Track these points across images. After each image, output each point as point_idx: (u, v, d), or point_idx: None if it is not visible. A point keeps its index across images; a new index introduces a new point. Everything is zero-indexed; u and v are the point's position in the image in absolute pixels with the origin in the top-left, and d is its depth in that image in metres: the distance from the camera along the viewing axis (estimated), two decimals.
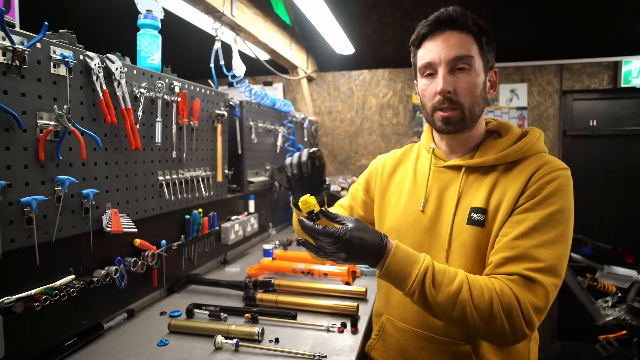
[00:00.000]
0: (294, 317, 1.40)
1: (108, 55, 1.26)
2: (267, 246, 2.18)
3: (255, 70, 2.80)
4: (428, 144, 1.16)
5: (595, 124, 3.42)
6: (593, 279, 2.89)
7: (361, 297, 1.58)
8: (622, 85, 3.26)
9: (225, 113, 1.95)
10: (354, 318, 1.37)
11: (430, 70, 1.04)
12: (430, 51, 1.03)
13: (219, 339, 1.22)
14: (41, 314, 1.07)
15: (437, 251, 1.06)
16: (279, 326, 1.37)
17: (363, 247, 0.91)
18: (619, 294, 2.85)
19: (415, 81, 1.14)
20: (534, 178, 0.96)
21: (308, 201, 0.97)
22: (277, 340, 1.26)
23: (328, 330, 1.34)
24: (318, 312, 1.47)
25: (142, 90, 1.40)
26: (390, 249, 0.92)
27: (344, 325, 1.35)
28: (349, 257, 0.91)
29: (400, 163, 1.25)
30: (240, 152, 2.25)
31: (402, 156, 1.27)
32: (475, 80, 1.01)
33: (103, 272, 1.26)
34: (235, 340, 1.21)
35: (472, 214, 1.01)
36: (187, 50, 2.99)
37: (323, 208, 0.99)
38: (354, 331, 1.33)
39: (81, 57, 1.18)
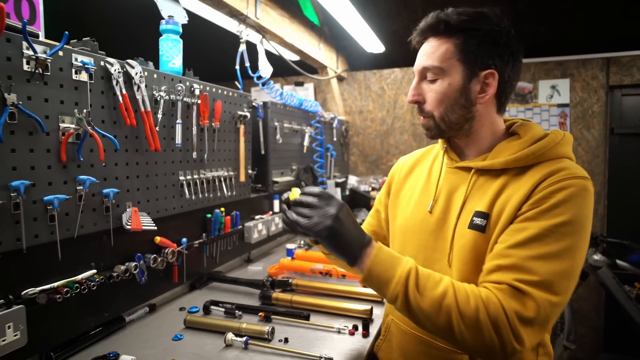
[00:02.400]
0: (307, 318, 1.40)
1: (128, 60, 1.32)
2: (290, 245, 2.20)
3: (286, 70, 2.83)
4: (442, 144, 1.14)
5: None
6: None
7: (377, 300, 1.55)
8: None
9: (248, 114, 1.98)
10: (366, 321, 1.36)
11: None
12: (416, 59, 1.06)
13: (230, 336, 1.25)
14: (63, 305, 1.14)
15: (440, 254, 1.03)
16: (291, 326, 1.38)
17: (346, 229, 0.89)
18: None
19: None
20: (542, 184, 0.89)
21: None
22: (286, 340, 1.27)
23: (339, 332, 1.33)
24: (332, 313, 1.47)
25: (162, 93, 1.46)
26: (374, 247, 0.91)
27: (355, 327, 1.34)
28: (333, 227, 0.86)
29: (418, 163, 1.23)
30: (263, 152, 2.28)
31: (421, 156, 1.25)
32: (444, 90, 0.99)
33: (123, 267, 1.33)
34: (245, 338, 1.23)
35: (474, 218, 0.97)
36: (216, 53, 3.07)
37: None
38: (365, 334, 1.32)
39: (102, 63, 1.25)
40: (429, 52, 1.00)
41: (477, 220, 0.96)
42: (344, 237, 0.89)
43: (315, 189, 0.93)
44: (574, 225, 0.85)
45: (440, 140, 1.15)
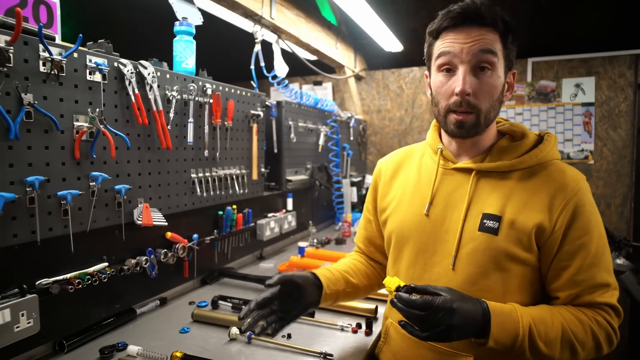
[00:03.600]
0: (312, 315, 1.42)
1: (141, 61, 1.37)
2: (302, 244, 2.22)
3: (305, 70, 2.85)
4: (435, 144, 1.10)
5: None
6: None
7: (382, 299, 1.55)
8: None
9: (261, 113, 2.01)
10: (370, 319, 1.36)
11: (448, 65, 0.96)
12: (451, 44, 0.94)
13: (234, 330, 1.28)
14: (75, 296, 1.19)
15: (441, 257, 1.01)
16: (296, 322, 1.39)
17: (468, 314, 0.85)
18: None
19: (426, 73, 1.08)
20: (561, 200, 0.94)
21: (392, 280, 0.92)
22: (289, 336, 1.28)
23: (342, 330, 1.34)
24: (336, 311, 1.48)
25: (174, 93, 1.50)
26: (490, 310, 0.88)
27: (358, 325, 1.34)
28: (453, 328, 0.83)
29: (402, 165, 1.20)
30: (277, 151, 2.31)
31: (404, 157, 1.22)
32: (496, 82, 0.95)
33: (134, 261, 1.38)
34: (248, 333, 1.26)
35: (484, 221, 0.96)
36: (234, 51, 3.12)
37: (411, 284, 0.90)
38: (368, 332, 1.32)
39: (115, 64, 1.29)
40: (483, 38, 0.92)
41: (489, 223, 0.95)
42: (469, 319, 0.86)
43: (417, 301, 0.85)
44: (599, 220, 0.97)
45: (432, 141, 1.13)
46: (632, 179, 3.10)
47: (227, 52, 3.24)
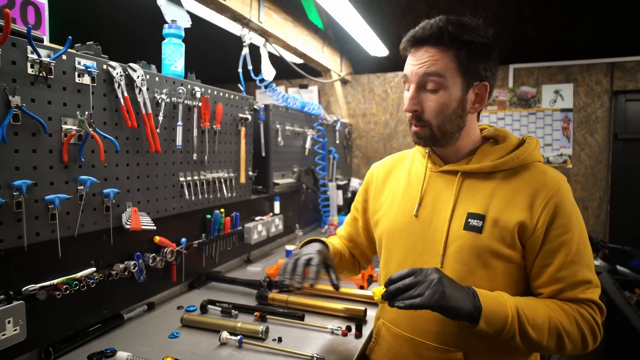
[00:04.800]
0: (302, 318, 1.43)
1: (130, 64, 1.36)
2: (289, 247, 2.22)
3: (291, 73, 2.86)
4: (424, 149, 1.15)
5: None
6: None
7: (371, 302, 1.57)
8: None
9: (249, 117, 2.01)
10: (359, 322, 1.38)
11: (407, 84, 1.05)
12: (407, 65, 1.04)
13: (225, 334, 1.27)
14: (62, 302, 1.17)
15: (430, 256, 1.05)
16: (286, 326, 1.40)
17: (453, 284, 0.91)
18: None
19: None
20: (542, 199, 0.98)
21: (378, 289, 0.95)
22: (280, 340, 1.29)
23: (332, 333, 1.35)
24: (326, 314, 1.49)
25: (163, 96, 1.49)
26: (477, 291, 0.93)
27: (348, 328, 1.36)
28: (445, 286, 0.88)
29: (394, 169, 1.25)
30: (264, 154, 2.31)
31: (395, 162, 1.27)
32: (445, 100, 0.99)
33: (122, 266, 1.36)
34: (239, 337, 1.26)
35: (469, 220, 1.01)
36: (221, 55, 3.11)
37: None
38: (358, 335, 1.33)
39: (104, 66, 1.28)
40: (430, 60, 0.98)
41: (473, 222, 1.00)
42: (459, 292, 0.90)
43: (403, 271, 0.92)
44: (581, 222, 1.00)
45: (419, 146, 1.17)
46: (607, 182, 3.22)
47: (210, 55, 3.23)
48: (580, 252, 0.97)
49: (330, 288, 1.62)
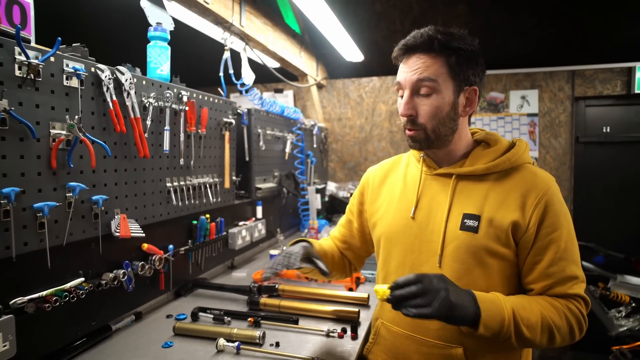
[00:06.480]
0: (296, 322, 1.43)
1: (118, 67, 1.32)
2: (273, 252, 2.21)
3: (266, 77, 2.86)
4: (419, 153, 1.19)
5: (608, 130, 3.37)
6: (606, 289, 2.84)
7: (363, 303, 1.60)
8: (636, 91, 3.21)
9: (233, 121, 1.99)
10: (354, 324, 1.39)
11: (400, 91, 1.09)
12: (399, 73, 1.09)
13: (221, 341, 1.26)
14: (51, 314, 1.12)
15: (427, 256, 1.09)
16: (281, 330, 1.40)
17: (457, 287, 0.94)
18: (633, 304, 2.79)
19: None
20: (533, 199, 1.02)
21: (382, 288, 0.95)
22: (277, 344, 1.28)
23: (328, 335, 1.36)
24: (320, 317, 1.49)
25: (151, 100, 1.46)
26: (476, 296, 0.95)
27: (344, 330, 1.37)
28: (450, 294, 0.90)
29: (390, 173, 1.29)
30: (248, 159, 2.29)
31: (391, 166, 1.31)
32: (438, 103, 1.04)
33: (111, 275, 1.31)
34: (237, 344, 1.24)
35: (465, 220, 1.05)
36: (198, 59, 3.07)
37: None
38: (354, 337, 1.35)
39: (92, 69, 1.24)
40: (422, 66, 1.03)
41: (469, 222, 1.04)
42: (462, 300, 0.92)
43: (410, 277, 0.92)
44: (569, 221, 1.05)
45: (416, 150, 1.21)
46: (571, 183, 3.41)
47: (187, 59, 3.17)
48: (569, 249, 1.02)
49: (321, 291, 1.65)
